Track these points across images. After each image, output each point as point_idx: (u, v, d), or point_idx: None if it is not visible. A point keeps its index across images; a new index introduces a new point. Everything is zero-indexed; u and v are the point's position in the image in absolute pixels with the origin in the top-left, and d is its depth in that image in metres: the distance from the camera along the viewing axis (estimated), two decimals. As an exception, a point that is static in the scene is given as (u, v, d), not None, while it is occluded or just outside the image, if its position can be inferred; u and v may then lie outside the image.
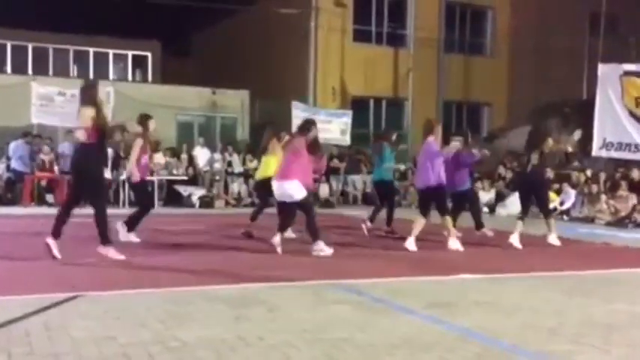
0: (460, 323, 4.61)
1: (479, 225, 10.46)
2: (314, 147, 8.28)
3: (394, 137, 11.11)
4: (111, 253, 7.06)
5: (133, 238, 8.72)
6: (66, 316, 4.56)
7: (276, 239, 7.93)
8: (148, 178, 9.31)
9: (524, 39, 22.95)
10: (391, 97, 22.84)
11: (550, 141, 9.42)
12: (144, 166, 9.01)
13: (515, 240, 9.11)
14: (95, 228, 7.09)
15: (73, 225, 7.23)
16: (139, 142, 8.81)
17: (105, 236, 7.08)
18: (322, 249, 7.91)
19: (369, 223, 10.40)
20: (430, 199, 8.87)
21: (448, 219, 8.83)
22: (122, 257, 7.03)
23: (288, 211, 8.23)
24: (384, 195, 10.70)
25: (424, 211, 8.85)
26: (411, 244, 8.52)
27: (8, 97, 17.25)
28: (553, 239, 9.37)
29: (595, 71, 14.07)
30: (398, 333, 4.29)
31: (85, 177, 7.11)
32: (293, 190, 7.92)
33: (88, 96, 7.25)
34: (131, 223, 8.78)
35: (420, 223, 8.73)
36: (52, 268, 6.67)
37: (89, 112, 7.00)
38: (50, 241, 7.00)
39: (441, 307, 5.12)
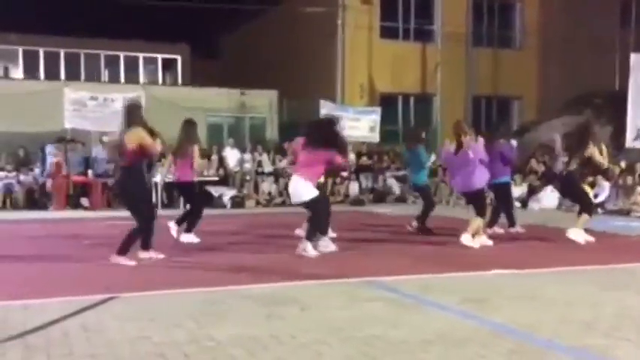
0: (493, 319, 4.58)
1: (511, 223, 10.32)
2: (340, 145, 8.16)
3: (424, 135, 11.13)
4: (122, 261, 7.05)
5: (194, 238, 9.01)
6: (102, 318, 4.64)
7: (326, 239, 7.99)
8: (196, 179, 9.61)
9: (553, 31, 22.64)
10: (419, 93, 22.72)
11: (591, 147, 9.06)
12: (192, 169, 9.25)
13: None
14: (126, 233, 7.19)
15: (105, 227, 7.34)
16: (197, 148, 9.10)
17: (126, 249, 7.11)
18: (306, 249, 7.63)
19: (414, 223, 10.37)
20: (473, 199, 8.83)
21: (480, 221, 8.71)
22: (133, 263, 7.03)
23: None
24: (425, 196, 10.65)
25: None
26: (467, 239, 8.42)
27: (41, 102, 17.56)
28: (573, 233, 8.75)
29: (626, 62, 13.85)
30: (431, 329, 4.29)
31: (128, 198, 7.29)
32: (303, 190, 7.77)
33: (135, 116, 7.22)
34: (190, 224, 9.08)
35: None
36: (87, 270, 6.80)
37: (137, 135, 7.00)
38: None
39: (474, 303, 5.10)
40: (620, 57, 19.29)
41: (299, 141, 8.59)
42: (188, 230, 9.06)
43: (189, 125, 9.16)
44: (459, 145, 8.67)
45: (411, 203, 15.89)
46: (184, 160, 9.04)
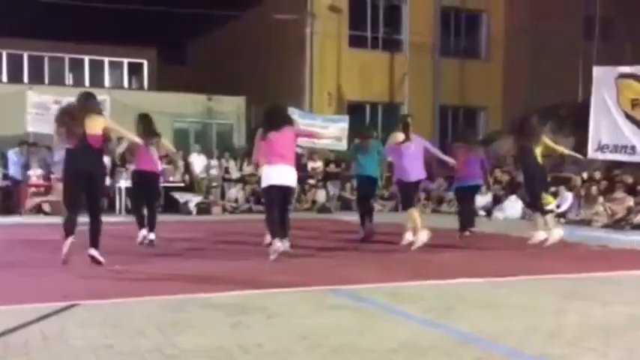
0: (459, 327, 4.60)
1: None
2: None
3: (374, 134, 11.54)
4: (99, 255, 7.08)
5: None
6: (64, 325, 4.54)
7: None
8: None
9: (519, 42, 23.02)
10: (387, 101, 22.88)
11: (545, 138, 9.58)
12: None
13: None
14: (88, 234, 7.09)
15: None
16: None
17: (98, 242, 7.11)
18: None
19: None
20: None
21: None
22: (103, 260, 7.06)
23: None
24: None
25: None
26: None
27: (4, 105, 17.27)
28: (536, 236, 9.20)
29: (590, 74, 14.11)
30: (397, 338, 4.28)
31: (98, 182, 7.20)
32: (294, 177, 8.16)
33: (95, 104, 7.38)
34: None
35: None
36: (48, 277, 6.66)
37: (101, 121, 7.16)
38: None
39: (440, 312, 5.12)
40: (583, 69, 19.68)
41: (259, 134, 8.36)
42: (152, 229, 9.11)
43: (145, 117, 9.47)
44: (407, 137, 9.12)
45: (378, 211, 15.92)
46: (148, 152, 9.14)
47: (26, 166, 15.86)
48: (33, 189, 15.94)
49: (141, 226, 9.13)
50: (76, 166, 7.06)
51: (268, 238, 7.99)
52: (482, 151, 10.99)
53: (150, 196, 9.37)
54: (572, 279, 6.90)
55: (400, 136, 9.14)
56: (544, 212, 9.45)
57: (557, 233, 9.18)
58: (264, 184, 8.02)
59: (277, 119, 8.12)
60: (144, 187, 9.29)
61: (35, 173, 15.93)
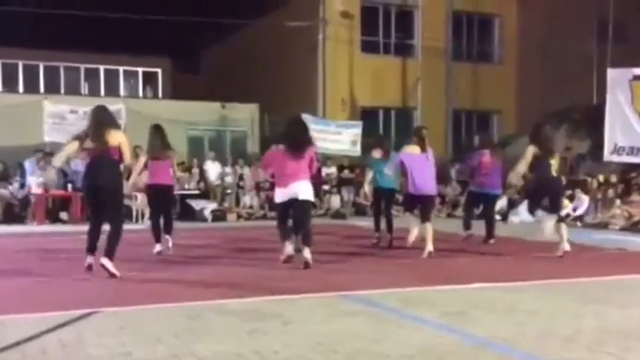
0: (474, 332, 4.59)
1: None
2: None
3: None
4: (112, 267, 7.02)
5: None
6: (81, 333, 4.58)
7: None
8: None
9: (532, 45, 22.93)
10: (400, 106, 22.86)
11: (531, 147, 9.12)
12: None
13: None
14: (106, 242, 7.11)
15: (83, 241, 7.25)
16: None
17: (114, 252, 7.09)
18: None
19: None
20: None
21: None
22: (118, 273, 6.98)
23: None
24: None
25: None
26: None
27: (21, 115, 17.41)
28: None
29: (604, 77, 14.04)
30: (412, 343, 4.29)
31: (114, 195, 7.17)
32: (310, 191, 8.10)
33: (113, 120, 7.52)
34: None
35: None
36: (65, 285, 6.72)
37: (120, 135, 7.25)
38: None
39: (455, 317, 5.11)
40: (597, 72, 19.58)
41: (275, 149, 8.38)
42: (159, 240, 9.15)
43: (160, 130, 9.38)
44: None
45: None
46: (165, 164, 9.21)
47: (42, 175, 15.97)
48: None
49: (157, 240, 9.16)
50: (91, 181, 7.14)
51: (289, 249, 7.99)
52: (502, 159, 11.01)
53: (166, 209, 9.46)
54: (588, 283, 6.87)
55: (416, 148, 9.13)
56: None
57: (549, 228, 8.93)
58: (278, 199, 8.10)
59: (300, 140, 8.00)
60: (159, 201, 9.35)
61: (41, 181, 15.88)
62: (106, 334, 4.54)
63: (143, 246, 9.26)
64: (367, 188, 10.86)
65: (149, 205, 10.10)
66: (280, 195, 8.03)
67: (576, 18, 21.31)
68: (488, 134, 11.95)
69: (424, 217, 9.12)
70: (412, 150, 9.19)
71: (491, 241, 10.42)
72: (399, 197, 11.91)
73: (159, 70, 28.15)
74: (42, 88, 25.07)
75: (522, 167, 8.77)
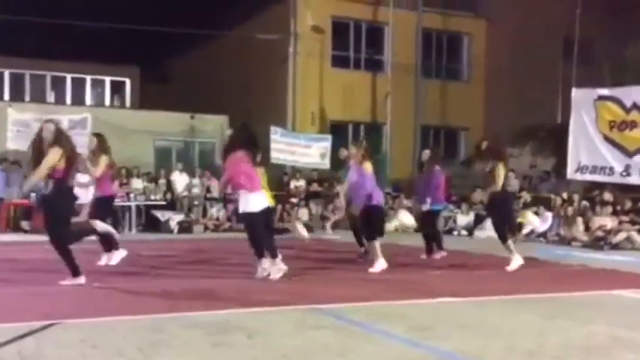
0: (441, 347, 4.60)
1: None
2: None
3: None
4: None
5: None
6: (42, 345, 4.48)
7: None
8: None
9: (500, 64, 23.28)
10: (370, 121, 23.00)
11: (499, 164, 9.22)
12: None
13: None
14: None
15: (45, 251, 7.12)
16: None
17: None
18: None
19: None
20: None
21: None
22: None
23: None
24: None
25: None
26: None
27: (-15, 122, 17.08)
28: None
29: (569, 96, 14.28)
30: (379, 357, 4.28)
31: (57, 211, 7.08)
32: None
33: (59, 135, 7.17)
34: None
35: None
36: (25, 295, 6.57)
37: (59, 154, 6.97)
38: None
39: (422, 331, 5.11)
40: (563, 91, 19.91)
41: (239, 156, 8.03)
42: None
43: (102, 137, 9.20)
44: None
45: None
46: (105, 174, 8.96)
47: (6, 184, 15.68)
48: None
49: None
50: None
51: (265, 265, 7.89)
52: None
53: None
54: (552, 299, 6.93)
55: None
56: (506, 239, 9.23)
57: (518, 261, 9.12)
58: (258, 207, 7.85)
59: (257, 144, 8.10)
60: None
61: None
62: (66, 346, 4.44)
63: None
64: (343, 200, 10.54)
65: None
66: (262, 201, 7.91)
67: (543, 37, 21.69)
68: (436, 150, 12.05)
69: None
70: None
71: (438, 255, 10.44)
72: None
73: (127, 80, 27.89)
74: (7, 96, 24.64)
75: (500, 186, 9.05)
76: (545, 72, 21.37)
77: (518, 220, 14.25)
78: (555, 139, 18.76)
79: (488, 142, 9.64)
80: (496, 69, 23.55)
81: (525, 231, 14.59)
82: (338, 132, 21.28)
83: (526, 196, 16.42)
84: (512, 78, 22.72)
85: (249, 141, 8.20)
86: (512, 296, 6.98)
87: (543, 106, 20.98)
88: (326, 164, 19.01)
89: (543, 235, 14.71)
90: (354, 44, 23.02)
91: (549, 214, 15.03)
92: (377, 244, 8.81)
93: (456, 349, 4.53)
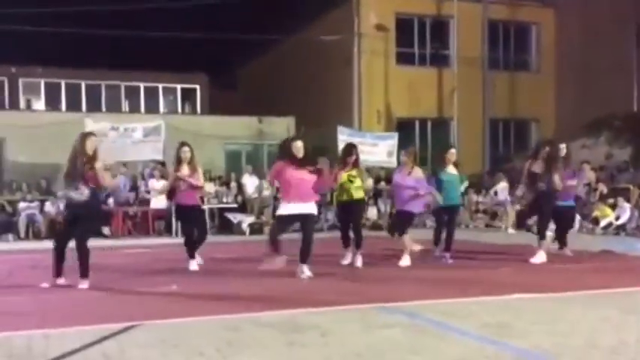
0: (516, 344, 4.53)
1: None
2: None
3: None
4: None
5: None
6: (123, 346, 4.64)
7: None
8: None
9: (570, 53, 22.66)
10: (436, 117, 22.77)
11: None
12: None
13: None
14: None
15: (125, 255, 7.37)
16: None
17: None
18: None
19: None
20: None
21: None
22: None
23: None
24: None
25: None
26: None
27: (63, 133, 17.79)
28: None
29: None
30: (452, 355, 4.26)
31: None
32: None
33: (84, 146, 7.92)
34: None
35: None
36: (106, 298, 6.84)
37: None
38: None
39: (496, 328, 5.05)
40: (638, 78, 19.20)
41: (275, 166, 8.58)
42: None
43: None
44: None
45: (429, 227, 15.79)
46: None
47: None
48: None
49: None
50: None
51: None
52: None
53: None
54: (630, 293, 6.72)
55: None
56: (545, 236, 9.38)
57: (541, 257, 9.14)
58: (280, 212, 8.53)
59: (290, 152, 8.31)
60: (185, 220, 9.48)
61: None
62: (148, 347, 4.60)
63: (182, 261, 9.36)
64: None
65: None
66: (285, 208, 8.65)
67: (614, 24, 20.97)
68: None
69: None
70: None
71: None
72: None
73: (197, 87, 28.57)
74: (84, 106, 25.63)
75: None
76: (617, 59, 20.66)
77: (595, 213, 13.90)
78: (631, 129, 18.12)
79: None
80: (566, 58, 22.92)
81: (603, 224, 14.19)
82: (405, 129, 21.18)
83: (602, 188, 15.90)
84: (582, 67, 22.07)
85: (283, 150, 8.50)
86: (589, 291, 6.79)
87: (616, 94, 20.29)
88: (393, 162, 18.90)
89: (622, 227, 14.23)
90: (419, 40, 22.85)
91: (627, 206, 14.54)
92: (407, 237, 9.24)
93: (532, 346, 4.45)
